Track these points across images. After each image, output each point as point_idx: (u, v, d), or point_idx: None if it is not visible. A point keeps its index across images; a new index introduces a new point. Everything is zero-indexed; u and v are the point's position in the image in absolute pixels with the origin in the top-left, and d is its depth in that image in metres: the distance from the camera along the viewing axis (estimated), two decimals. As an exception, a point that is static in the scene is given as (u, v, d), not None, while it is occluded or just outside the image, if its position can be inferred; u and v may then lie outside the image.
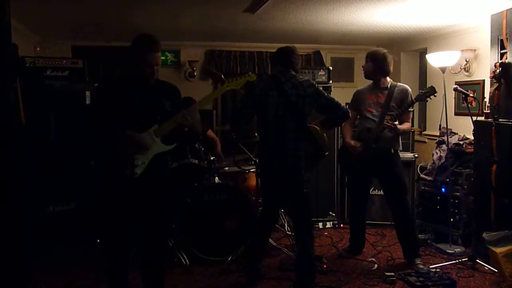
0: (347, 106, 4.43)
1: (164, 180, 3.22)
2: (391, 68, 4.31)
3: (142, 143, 2.98)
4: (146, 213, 3.11)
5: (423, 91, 4.22)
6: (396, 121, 4.16)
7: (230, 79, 3.37)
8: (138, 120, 3.00)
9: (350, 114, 4.37)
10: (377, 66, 4.25)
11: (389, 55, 4.27)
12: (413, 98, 4.23)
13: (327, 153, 3.89)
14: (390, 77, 4.38)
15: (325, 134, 3.86)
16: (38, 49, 6.19)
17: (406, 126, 4.29)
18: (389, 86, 4.30)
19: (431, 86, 4.23)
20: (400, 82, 4.57)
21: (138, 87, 3.03)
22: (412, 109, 4.44)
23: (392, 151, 4.29)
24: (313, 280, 3.65)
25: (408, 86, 4.38)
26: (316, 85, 3.65)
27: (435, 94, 4.19)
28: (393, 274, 3.97)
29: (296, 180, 3.61)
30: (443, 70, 4.87)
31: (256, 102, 3.70)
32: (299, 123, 3.58)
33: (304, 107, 3.57)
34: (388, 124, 4.11)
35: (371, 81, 4.40)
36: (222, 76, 5.91)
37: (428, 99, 4.24)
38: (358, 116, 4.46)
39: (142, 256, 3.23)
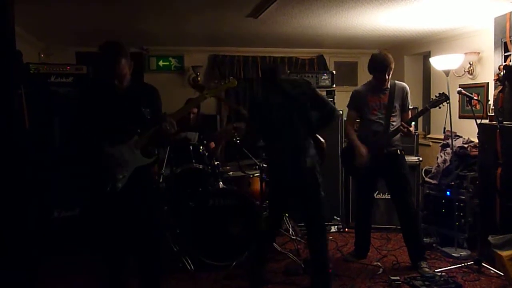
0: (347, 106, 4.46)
1: (149, 191, 3.22)
2: None
3: (120, 159, 2.97)
4: (134, 224, 3.10)
5: (436, 98, 4.17)
6: (411, 126, 4.18)
7: (209, 86, 3.35)
8: (118, 131, 3.00)
9: (350, 114, 4.37)
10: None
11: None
12: (427, 106, 4.22)
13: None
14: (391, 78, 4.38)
15: (323, 141, 3.83)
16: (42, 55, 6.23)
17: (412, 127, 4.30)
18: (389, 86, 4.28)
19: (443, 93, 4.18)
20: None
21: (115, 94, 3.03)
22: (412, 107, 4.44)
23: (399, 152, 4.29)
24: (330, 283, 3.61)
25: (406, 84, 4.38)
26: (309, 81, 3.73)
27: (448, 101, 4.18)
28: (398, 278, 3.95)
29: (312, 183, 3.58)
30: (446, 73, 4.87)
31: (260, 110, 3.66)
32: (305, 120, 3.56)
33: (306, 103, 3.57)
34: (404, 130, 4.11)
35: (370, 80, 4.37)
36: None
37: (441, 105, 4.20)
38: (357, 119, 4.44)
39: (137, 266, 3.24)
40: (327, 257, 3.62)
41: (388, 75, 4.20)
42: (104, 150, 2.96)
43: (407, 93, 4.31)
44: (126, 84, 3.05)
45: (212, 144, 5.38)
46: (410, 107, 4.34)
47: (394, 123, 4.23)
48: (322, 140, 3.79)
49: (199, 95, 3.35)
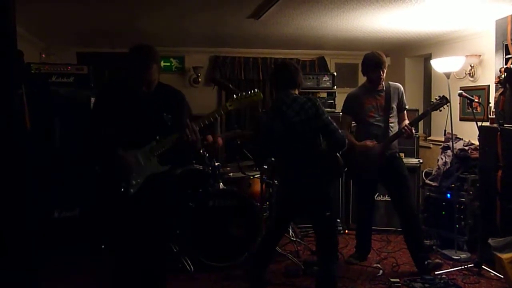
0: (341, 110, 4.45)
1: (163, 195, 3.13)
2: None
3: (135, 164, 2.91)
4: (143, 227, 3.06)
5: (437, 101, 4.17)
6: (413, 127, 4.17)
7: (233, 97, 3.15)
8: (136, 136, 2.94)
9: (345, 119, 4.35)
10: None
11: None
12: (429, 109, 4.24)
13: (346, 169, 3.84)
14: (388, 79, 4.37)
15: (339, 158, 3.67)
16: (43, 55, 6.22)
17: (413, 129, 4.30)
18: (384, 87, 4.27)
19: (444, 96, 4.17)
20: (404, 87, 4.54)
21: (138, 98, 2.95)
22: (413, 108, 4.45)
23: (397, 154, 4.31)
24: None
25: (400, 85, 4.39)
26: (319, 103, 3.48)
27: (448, 104, 4.19)
28: (398, 280, 3.95)
29: (320, 206, 3.50)
30: (447, 75, 4.87)
31: (265, 132, 3.58)
32: (310, 148, 3.47)
33: (311, 130, 3.44)
34: (408, 131, 4.11)
35: (364, 83, 4.38)
36: (230, 85, 5.81)
37: (441, 108, 4.19)
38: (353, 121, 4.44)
39: (141, 268, 3.22)
40: (332, 271, 3.48)
41: (383, 73, 4.18)
42: (120, 153, 2.90)
43: (402, 93, 4.34)
44: (152, 89, 2.96)
45: (210, 138, 5.35)
46: (406, 107, 4.36)
47: (392, 124, 4.23)
48: (337, 158, 3.60)
49: (223, 105, 3.20)
